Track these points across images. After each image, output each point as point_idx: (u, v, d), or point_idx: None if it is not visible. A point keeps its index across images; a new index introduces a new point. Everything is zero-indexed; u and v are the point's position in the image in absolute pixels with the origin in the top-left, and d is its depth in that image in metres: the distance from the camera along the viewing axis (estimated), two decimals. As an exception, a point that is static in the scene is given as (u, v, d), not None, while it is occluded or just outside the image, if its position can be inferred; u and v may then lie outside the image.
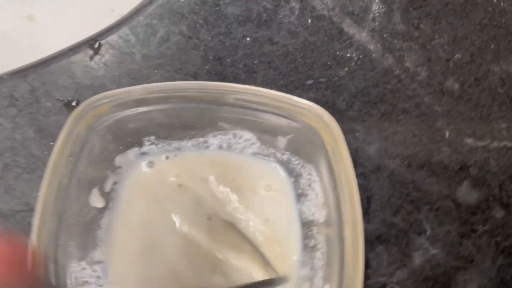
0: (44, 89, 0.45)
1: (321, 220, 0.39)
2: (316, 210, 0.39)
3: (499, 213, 0.44)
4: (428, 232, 0.43)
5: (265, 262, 0.41)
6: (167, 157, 0.43)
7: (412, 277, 0.42)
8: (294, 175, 0.42)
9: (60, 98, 0.45)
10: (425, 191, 0.45)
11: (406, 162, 0.45)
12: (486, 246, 0.43)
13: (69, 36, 0.46)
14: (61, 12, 0.51)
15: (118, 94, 0.36)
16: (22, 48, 0.51)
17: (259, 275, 0.41)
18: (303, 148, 0.40)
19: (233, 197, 0.43)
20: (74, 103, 0.45)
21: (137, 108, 0.38)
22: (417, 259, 0.43)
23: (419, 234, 0.43)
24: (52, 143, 0.44)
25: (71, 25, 0.50)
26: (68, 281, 0.35)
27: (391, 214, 0.44)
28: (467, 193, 0.45)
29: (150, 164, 0.42)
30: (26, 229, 0.40)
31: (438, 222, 0.44)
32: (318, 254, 0.39)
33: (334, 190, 0.37)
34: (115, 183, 0.41)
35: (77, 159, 0.36)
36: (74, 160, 0.36)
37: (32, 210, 0.41)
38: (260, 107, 0.38)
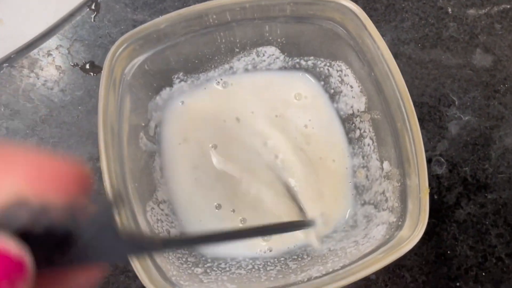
0: (56, 59, 0.45)
1: (362, 108, 0.40)
2: (354, 101, 0.41)
3: (515, 69, 0.47)
4: (457, 102, 0.46)
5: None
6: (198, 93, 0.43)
7: (452, 146, 0.44)
8: (323, 78, 0.43)
9: (74, 64, 0.45)
10: (444, 66, 0.46)
11: (420, 45, 0.47)
12: (511, 102, 0.46)
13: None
14: None
15: (142, 29, 0.36)
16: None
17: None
18: (327, 47, 0.41)
19: (268, 115, 0.43)
20: (87, 66, 0.45)
21: (161, 45, 0.38)
22: (453, 128, 0.45)
23: (449, 106, 0.46)
24: (80, 107, 0.44)
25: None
26: (149, 219, 0.36)
27: (418, 95, 0.46)
28: (482, 59, 0.47)
29: (183, 102, 0.43)
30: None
31: (463, 91, 0.46)
32: (367, 140, 0.40)
33: (370, 75, 0.38)
34: (157, 127, 0.42)
35: (120, 106, 0.37)
36: (118, 106, 0.36)
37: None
38: (278, 14, 0.39)
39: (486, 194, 0.43)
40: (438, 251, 0.42)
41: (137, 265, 0.31)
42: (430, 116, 0.45)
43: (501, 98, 0.46)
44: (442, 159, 0.44)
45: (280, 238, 0.40)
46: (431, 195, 0.43)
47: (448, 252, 0.42)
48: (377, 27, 0.45)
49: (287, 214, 0.41)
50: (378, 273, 0.41)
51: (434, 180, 0.44)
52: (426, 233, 0.41)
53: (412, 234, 0.32)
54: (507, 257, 0.42)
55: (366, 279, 0.41)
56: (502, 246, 0.42)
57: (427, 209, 0.32)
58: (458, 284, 0.41)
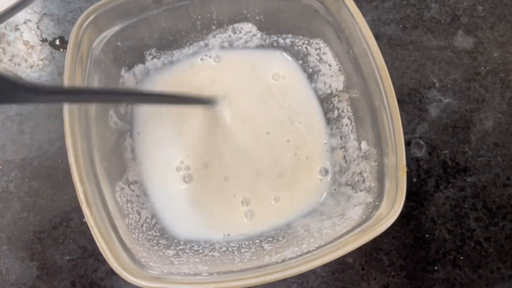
0: (24, 34, 0.43)
1: (340, 88, 0.39)
2: (333, 80, 0.40)
3: (496, 52, 0.46)
4: (437, 84, 0.45)
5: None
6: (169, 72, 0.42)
7: (432, 129, 0.44)
8: (301, 57, 0.42)
9: (42, 39, 0.43)
10: (425, 47, 0.46)
11: (401, 26, 0.46)
12: (492, 85, 0.45)
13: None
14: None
15: (112, 0, 0.34)
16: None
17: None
18: (306, 24, 0.40)
19: (244, 96, 0.42)
20: (57, 42, 0.43)
21: (132, 19, 0.37)
22: (433, 111, 0.44)
23: (429, 88, 0.45)
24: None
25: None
26: (118, 199, 0.34)
27: (399, 76, 0.45)
28: (463, 41, 0.46)
29: (157, 80, 0.41)
30: (45, 173, 0.39)
31: (444, 73, 0.45)
32: (345, 120, 0.39)
33: (348, 53, 0.37)
34: (128, 105, 0.40)
35: (88, 82, 0.35)
36: (85, 82, 0.35)
37: (46, 153, 0.40)
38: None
39: (465, 178, 0.43)
40: (416, 234, 0.41)
41: (103, 247, 0.30)
42: (410, 98, 0.44)
43: (482, 80, 0.45)
44: (422, 142, 0.43)
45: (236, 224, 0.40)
46: (410, 178, 0.42)
47: (426, 235, 0.41)
48: (358, 7, 0.44)
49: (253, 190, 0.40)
50: (355, 256, 0.40)
51: (413, 162, 0.43)
52: (404, 216, 0.41)
53: (389, 213, 0.31)
54: (486, 241, 0.41)
55: (343, 262, 0.40)
56: (480, 230, 0.42)
57: (404, 188, 0.31)
58: (436, 268, 0.41)
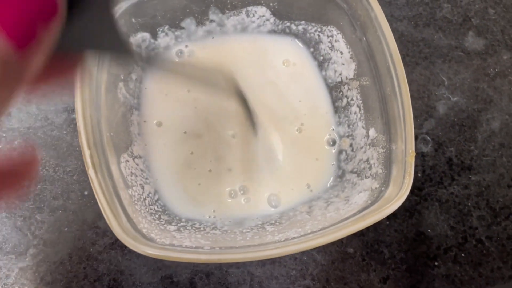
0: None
1: (351, 75, 0.39)
2: (343, 68, 0.40)
3: (506, 55, 0.46)
4: (446, 82, 0.45)
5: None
6: (180, 52, 0.42)
7: (439, 126, 0.44)
8: (313, 44, 0.42)
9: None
10: (435, 46, 0.46)
11: (413, 23, 0.46)
12: (501, 86, 0.45)
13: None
14: None
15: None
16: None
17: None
18: (319, 11, 0.40)
19: (253, 80, 0.42)
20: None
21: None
22: (441, 108, 0.44)
23: (438, 85, 0.45)
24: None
25: None
26: (123, 170, 0.34)
27: (408, 73, 0.45)
28: (474, 42, 0.46)
29: (167, 58, 0.41)
30: (49, 143, 0.39)
31: (453, 72, 0.45)
32: (354, 108, 0.39)
33: (361, 40, 0.37)
34: (137, 80, 0.40)
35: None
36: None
37: (52, 124, 0.39)
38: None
39: (470, 176, 0.43)
40: (418, 229, 0.41)
41: (107, 211, 0.29)
42: (419, 94, 0.44)
43: (491, 82, 0.45)
44: (428, 138, 0.43)
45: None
46: (415, 173, 0.42)
47: (428, 230, 0.41)
48: (371, 1, 0.44)
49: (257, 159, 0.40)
50: (356, 247, 0.40)
51: (419, 158, 0.43)
52: (407, 210, 0.41)
53: (395, 196, 0.31)
54: (488, 239, 0.41)
55: (344, 252, 0.40)
56: (483, 229, 0.41)
57: (412, 172, 0.31)
58: (436, 263, 0.40)
